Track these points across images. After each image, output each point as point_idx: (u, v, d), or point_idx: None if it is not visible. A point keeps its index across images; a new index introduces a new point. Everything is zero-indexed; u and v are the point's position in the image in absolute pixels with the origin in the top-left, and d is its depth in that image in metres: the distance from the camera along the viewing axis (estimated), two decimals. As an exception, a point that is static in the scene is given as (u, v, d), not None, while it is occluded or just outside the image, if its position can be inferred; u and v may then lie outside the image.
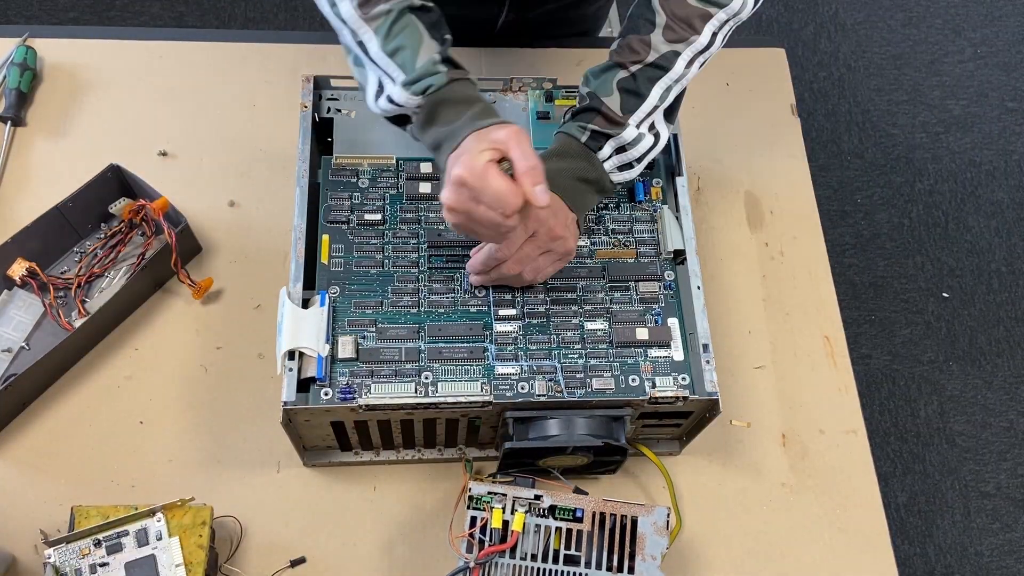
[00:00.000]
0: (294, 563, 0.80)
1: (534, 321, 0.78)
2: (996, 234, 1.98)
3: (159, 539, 0.74)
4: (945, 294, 1.91)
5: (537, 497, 0.72)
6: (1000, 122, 2.12)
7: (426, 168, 0.83)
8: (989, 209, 2.01)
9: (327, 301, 0.75)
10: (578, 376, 0.76)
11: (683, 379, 0.76)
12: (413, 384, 0.73)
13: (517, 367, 0.75)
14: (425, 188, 0.82)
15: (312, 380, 0.72)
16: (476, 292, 0.79)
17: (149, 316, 0.90)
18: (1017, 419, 1.79)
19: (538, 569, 0.71)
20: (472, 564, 0.70)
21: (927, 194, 2.02)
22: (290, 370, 0.72)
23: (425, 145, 0.75)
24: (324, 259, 0.78)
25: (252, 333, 0.89)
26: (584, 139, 0.78)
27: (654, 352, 0.77)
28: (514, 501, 0.72)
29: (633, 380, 0.76)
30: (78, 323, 0.84)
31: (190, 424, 0.85)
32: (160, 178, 0.91)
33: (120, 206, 0.89)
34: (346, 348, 0.74)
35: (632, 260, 0.82)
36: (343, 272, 0.78)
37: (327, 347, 0.73)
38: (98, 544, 0.73)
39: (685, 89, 0.80)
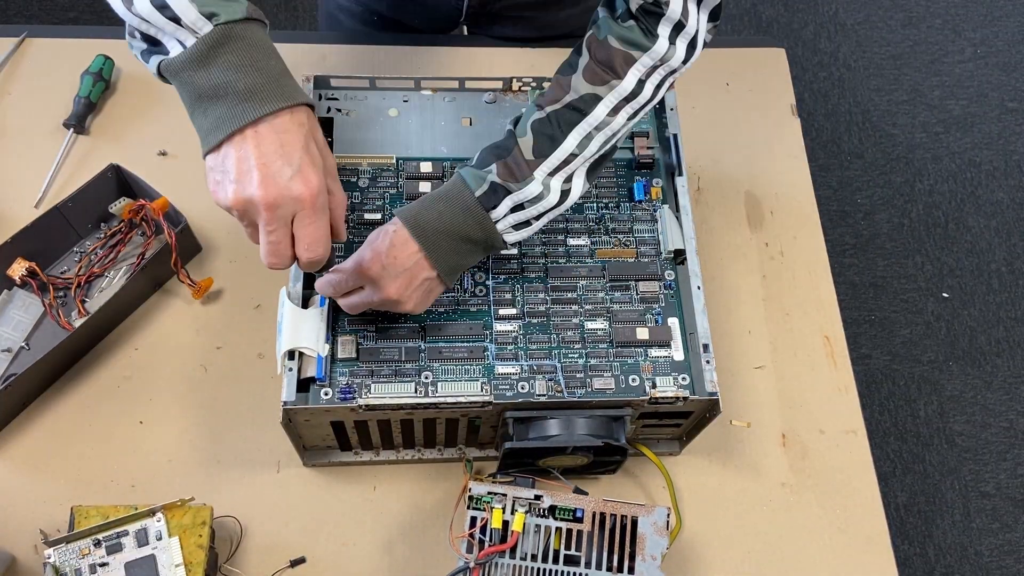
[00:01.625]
0: (294, 563, 0.80)
1: (534, 320, 0.78)
2: (996, 234, 1.98)
3: (159, 539, 0.74)
4: (945, 294, 1.91)
5: (537, 497, 0.72)
6: (1000, 122, 2.12)
7: (426, 168, 0.83)
8: (989, 209, 2.01)
9: (327, 301, 0.75)
10: (578, 376, 0.75)
11: (683, 379, 0.76)
12: (413, 384, 0.73)
13: (517, 367, 0.75)
14: (425, 188, 0.82)
15: (312, 380, 0.72)
16: (476, 292, 0.79)
17: (149, 316, 0.90)
18: (1017, 419, 1.79)
19: (538, 569, 0.71)
20: (472, 564, 0.70)
21: (927, 194, 2.02)
22: (290, 370, 0.72)
23: (185, 89, 0.61)
24: (324, 259, 0.78)
25: (252, 333, 0.89)
26: (479, 193, 0.69)
27: (654, 352, 0.77)
28: (514, 501, 0.72)
29: (633, 380, 0.76)
30: (78, 323, 0.84)
31: (190, 424, 0.85)
32: (160, 178, 0.91)
33: (120, 206, 0.88)
34: (346, 348, 0.74)
35: (632, 260, 0.81)
36: (343, 272, 0.78)
37: (327, 347, 0.73)
38: (98, 544, 0.73)
39: (615, 144, 0.73)
